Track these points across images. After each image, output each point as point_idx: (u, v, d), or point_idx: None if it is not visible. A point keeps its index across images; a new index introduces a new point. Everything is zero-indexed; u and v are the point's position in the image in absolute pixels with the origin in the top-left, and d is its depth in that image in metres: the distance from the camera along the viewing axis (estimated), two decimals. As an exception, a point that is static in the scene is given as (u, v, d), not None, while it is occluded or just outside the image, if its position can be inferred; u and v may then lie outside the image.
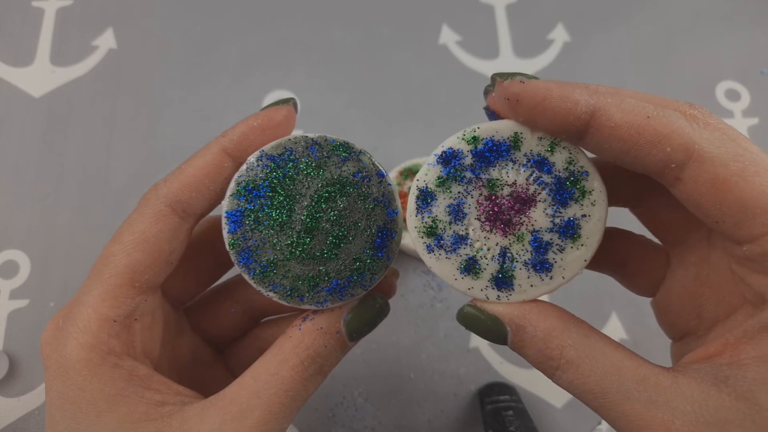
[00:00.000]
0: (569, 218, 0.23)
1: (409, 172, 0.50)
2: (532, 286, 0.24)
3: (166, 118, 0.56)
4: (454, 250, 0.24)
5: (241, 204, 0.25)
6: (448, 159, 0.24)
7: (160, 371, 0.26)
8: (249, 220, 0.25)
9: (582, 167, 0.23)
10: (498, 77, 0.22)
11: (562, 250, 0.24)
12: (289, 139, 0.25)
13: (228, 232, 0.25)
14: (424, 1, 0.63)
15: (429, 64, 0.59)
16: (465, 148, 0.24)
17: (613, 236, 0.28)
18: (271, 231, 0.25)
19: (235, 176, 0.25)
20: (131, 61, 0.58)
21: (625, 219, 0.29)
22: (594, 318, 0.50)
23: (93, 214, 0.52)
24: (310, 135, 0.25)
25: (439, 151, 0.24)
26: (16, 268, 0.49)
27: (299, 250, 0.25)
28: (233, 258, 0.25)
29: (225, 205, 0.25)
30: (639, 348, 0.49)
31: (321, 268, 0.25)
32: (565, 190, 0.23)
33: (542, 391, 0.47)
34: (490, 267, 0.24)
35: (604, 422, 0.46)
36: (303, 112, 0.57)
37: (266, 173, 0.25)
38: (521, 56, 0.60)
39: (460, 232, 0.24)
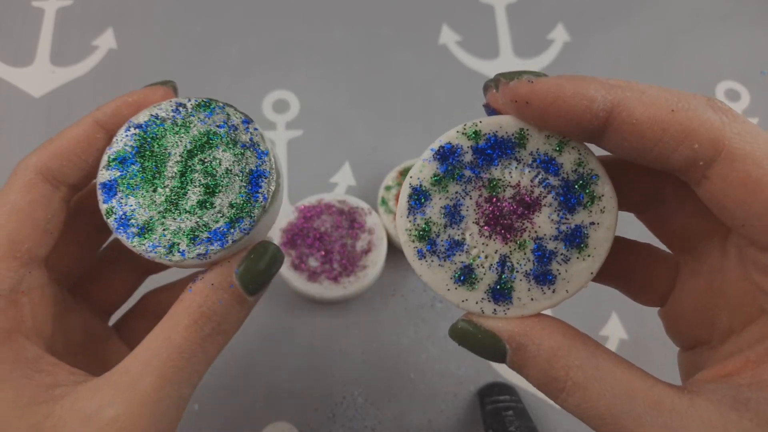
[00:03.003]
0: (576, 225, 0.21)
1: (409, 172, 0.50)
2: (532, 299, 0.22)
3: (166, 118, 0.56)
4: (449, 256, 0.22)
5: (114, 174, 0.25)
6: (446, 155, 0.22)
7: (54, 352, 0.25)
8: (122, 187, 0.25)
9: (592, 170, 0.21)
10: (502, 78, 0.21)
11: (567, 260, 0.22)
12: (154, 107, 0.26)
13: (103, 203, 0.25)
14: (424, 1, 0.63)
15: (429, 64, 0.59)
16: (465, 143, 0.22)
17: (617, 246, 0.27)
18: (145, 193, 0.25)
19: (106, 149, 0.25)
20: (131, 61, 0.58)
21: (628, 224, 0.29)
22: (594, 318, 0.50)
23: (93, 214, 0.52)
24: (175, 99, 0.26)
25: (436, 145, 0.22)
26: (16, 268, 0.49)
27: (174, 207, 0.25)
28: (111, 226, 0.25)
29: (98, 178, 0.25)
30: (639, 348, 0.49)
31: (198, 219, 0.25)
32: (573, 195, 0.21)
33: (542, 391, 0.47)
34: (487, 277, 0.22)
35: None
36: (303, 112, 0.57)
37: (135, 141, 0.25)
38: (521, 56, 0.60)
39: (456, 237, 0.22)
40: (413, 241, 0.22)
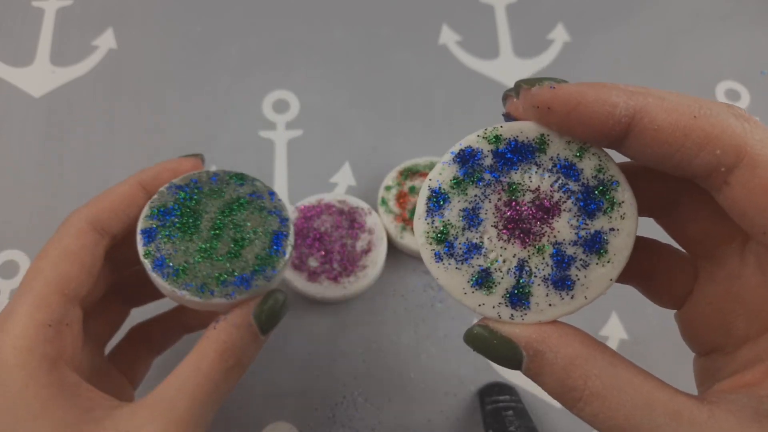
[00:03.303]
0: (596, 231, 0.21)
1: (409, 173, 0.50)
2: (550, 305, 0.22)
3: (166, 118, 0.56)
4: (466, 260, 0.22)
5: (154, 223, 0.29)
6: (466, 158, 0.22)
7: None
8: (161, 236, 0.29)
9: (612, 176, 0.21)
10: (524, 84, 0.21)
11: (586, 266, 0.21)
12: (193, 173, 0.31)
13: (142, 246, 0.28)
14: (424, 1, 0.63)
15: (429, 64, 0.59)
16: (485, 147, 0.22)
17: (638, 245, 0.26)
18: (182, 242, 0.29)
19: (148, 202, 0.29)
20: (131, 61, 0.58)
21: (647, 227, 0.28)
22: (594, 318, 0.50)
23: (93, 214, 0.52)
24: (211, 170, 0.31)
25: (456, 149, 0.22)
26: (16, 268, 0.49)
27: (207, 254, 0.29)
28: (148, 266, 0.28)
29: (139, 225, 0.29)
30: (639, 348, 0.49)
31: (227, 265, 0.29)
32: (593, 201, 0.21)
33: (542, 391, 0.47)
34: (505, 281, 0.22)
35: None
36: (303, 112, 0.57)
37: (175, 198, 0.30)
38: (521, 56, 0.60)
39: (474, 240, 0.22)
40: (431, 244, 0.22)
